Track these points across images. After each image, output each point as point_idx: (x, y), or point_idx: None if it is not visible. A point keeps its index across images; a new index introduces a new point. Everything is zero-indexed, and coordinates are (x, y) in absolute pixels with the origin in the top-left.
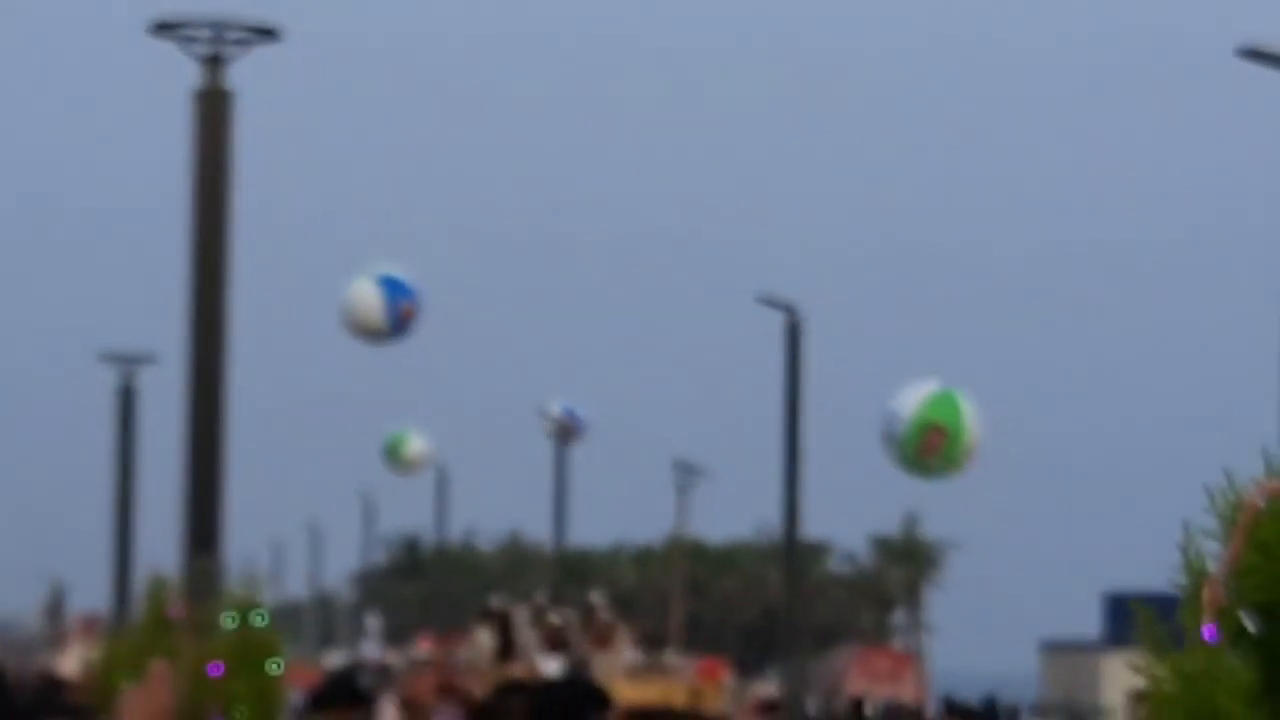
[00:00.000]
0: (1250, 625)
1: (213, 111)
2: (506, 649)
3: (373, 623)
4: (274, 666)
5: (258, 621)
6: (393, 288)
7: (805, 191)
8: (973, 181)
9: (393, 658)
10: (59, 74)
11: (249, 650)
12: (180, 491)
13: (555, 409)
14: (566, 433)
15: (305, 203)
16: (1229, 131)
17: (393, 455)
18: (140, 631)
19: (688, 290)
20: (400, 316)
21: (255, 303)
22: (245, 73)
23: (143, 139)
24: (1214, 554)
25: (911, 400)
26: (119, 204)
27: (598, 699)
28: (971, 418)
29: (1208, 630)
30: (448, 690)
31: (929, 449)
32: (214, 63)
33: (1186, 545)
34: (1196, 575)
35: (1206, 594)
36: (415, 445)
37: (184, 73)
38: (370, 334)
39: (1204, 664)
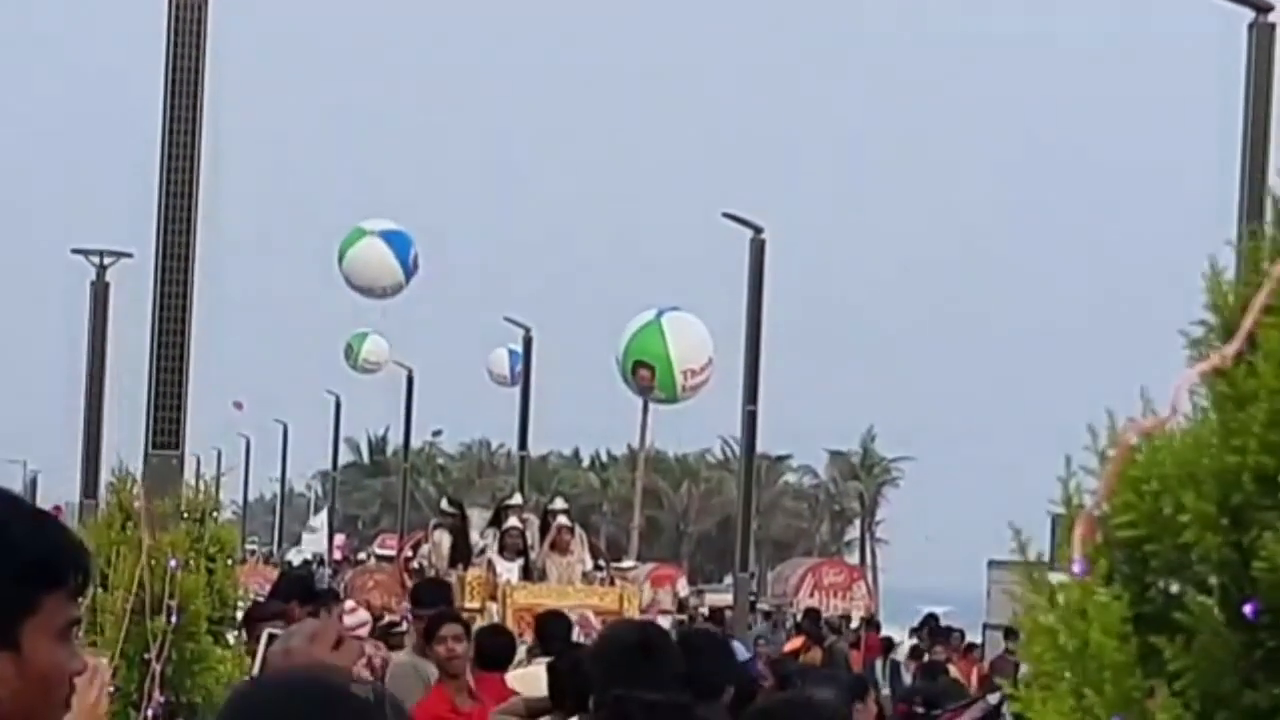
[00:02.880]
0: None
1: (188, 13)
2: (463, 551)
3: (320, 518)
4: (230, 562)
5: (216, 517)
6: (395, 239)
7: (771, 110)
8: (940, 107)
9: (358, 554)
10: None
11: (207, 545)
12: (146, 387)
13: (501, 365)
14: (513, 380)
15: (278, 108)
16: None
17: (352, 355)
18: (103, 524)
19: (651, 206)
20: (412, 264)
21: (230, 205)
22: None
23: (121, 39)
24: (1091, 490)
25: (622, 340)
26: (99, 104)
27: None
28: (678, 345)
29: (1078, 564)
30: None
31: (645, 386)
32: None
33: (1066, 479)
34: (1073, 509)
35: (1079, 528)
36: (372, 346)
37: None
38: (388, 289)
39: (1076, 597)
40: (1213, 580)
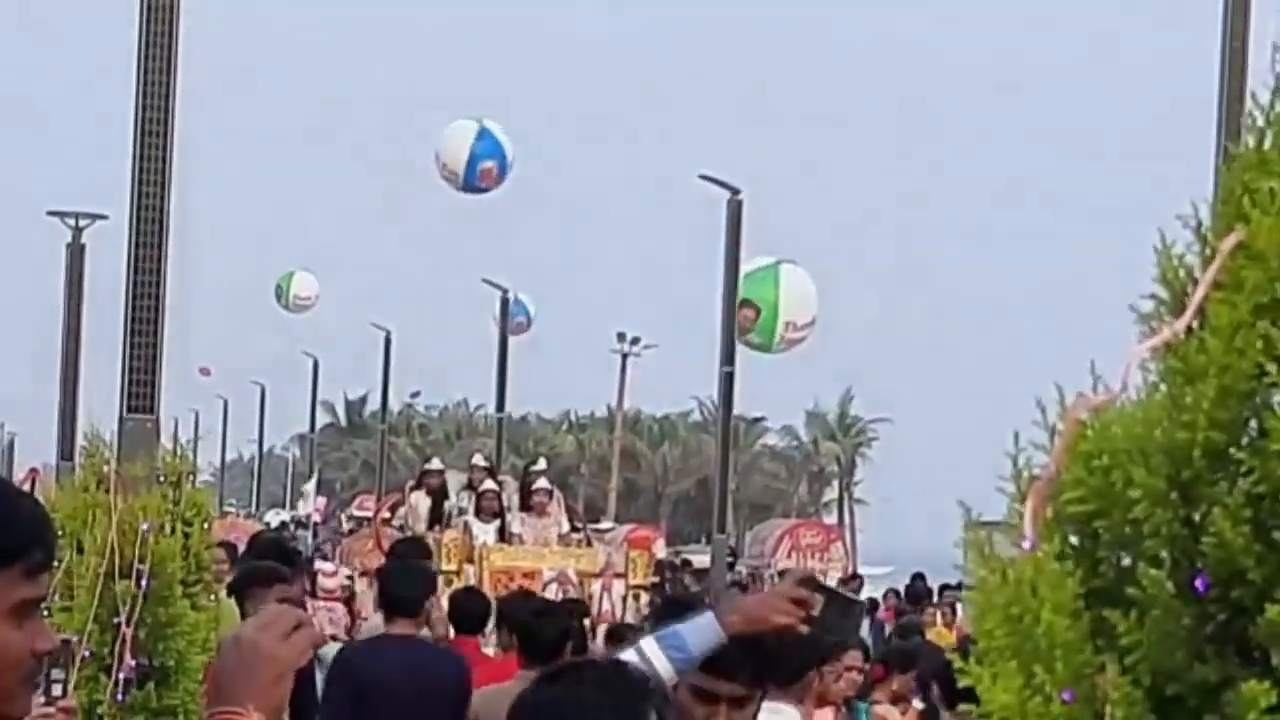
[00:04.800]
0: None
1: None
2: (440, 513)
3: (310, 484)
4: (206, 526)
5: (192, 480)
6: (487, 143)
7: (753, 71)
8: (915, 65)
9: (336, 517)
10: None
11: (181, 510)
12: (121, 350)
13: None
14: (519, 331)
15: (252, 70)
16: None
17: (283, 295)
18: (78, 487)
19: (631, 169)
20: (478, 171)
21: (210, 168)
22: None
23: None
24: (1042, 465)
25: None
26: (74, 66)
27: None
28: (789, 295)
29: (1028, 540)
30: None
31: (744, 327)
32: None
33: (1016, 455)
34: (1024, 485)
35: (1029, 504)
36: (300, 282)
37: None
38: (447, 169)
39: (1027, 573)
40: (1163, 555)
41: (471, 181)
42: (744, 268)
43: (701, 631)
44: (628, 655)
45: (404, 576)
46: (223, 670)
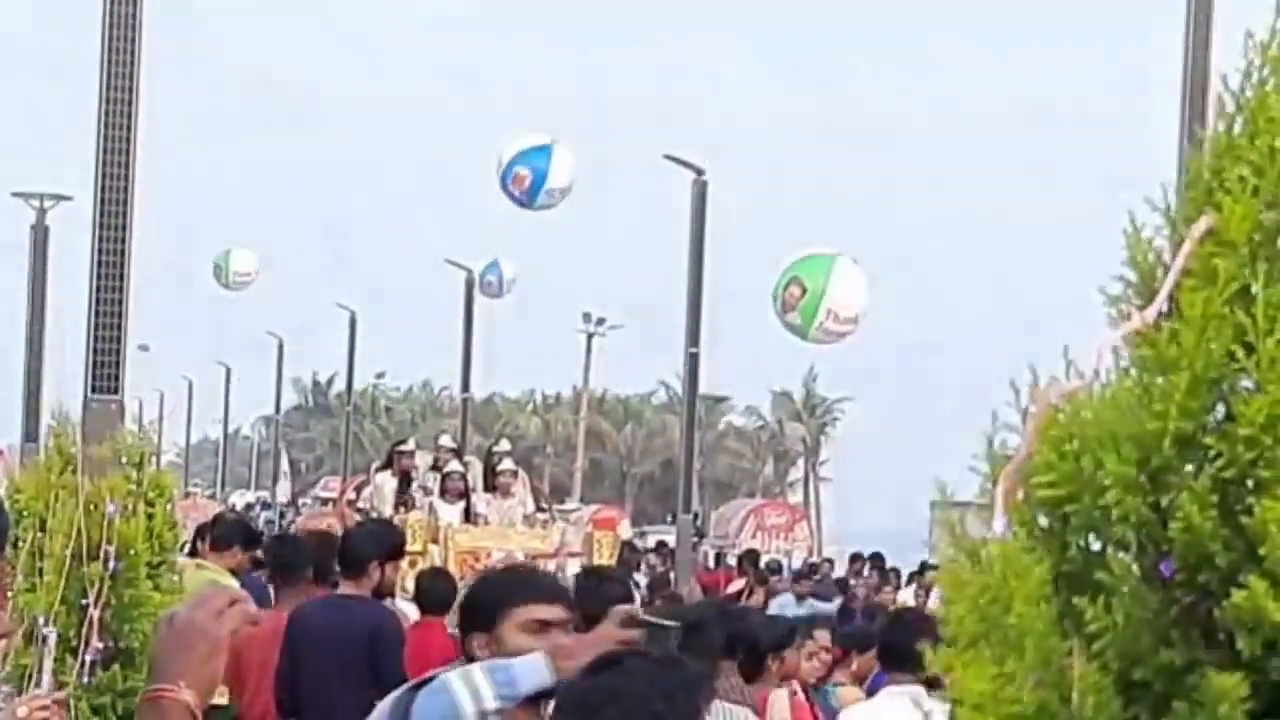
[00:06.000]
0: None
1: None
2: (407, 495)
3: (283, 465)
4: (170, 507)
5: (156, 461)
6: (536, 156)
7: (715, 53)
8: (885, 51)
9: (302, 497)
10: None
11: (146, 492)
12: (85, 332)
13: (479, 272)
14: (490, 293)
15: (215, 54)
16: None
17: (222, 273)
18: (42, 469)
19: (597, 148)
20: (512, 174)
21: (172, 147)
22: None
23: None
24: (1015, 448)
25: (789, 260)
26: (39, 45)
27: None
28: (838, 284)
29: (1000, 523)
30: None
31: (789, 304)
32: None
33: (991, 439)
34: (998, 467)
35: (1001, 488)
36: (239, 259)
37: None
38: (498, 160)
39: (996, 555)
40: (1131, 540)
41: (505, 183)
42: (800, 252)
43: (532, 672)
44: (454, 676)
45: (355, 540)
46: (158, 648)
